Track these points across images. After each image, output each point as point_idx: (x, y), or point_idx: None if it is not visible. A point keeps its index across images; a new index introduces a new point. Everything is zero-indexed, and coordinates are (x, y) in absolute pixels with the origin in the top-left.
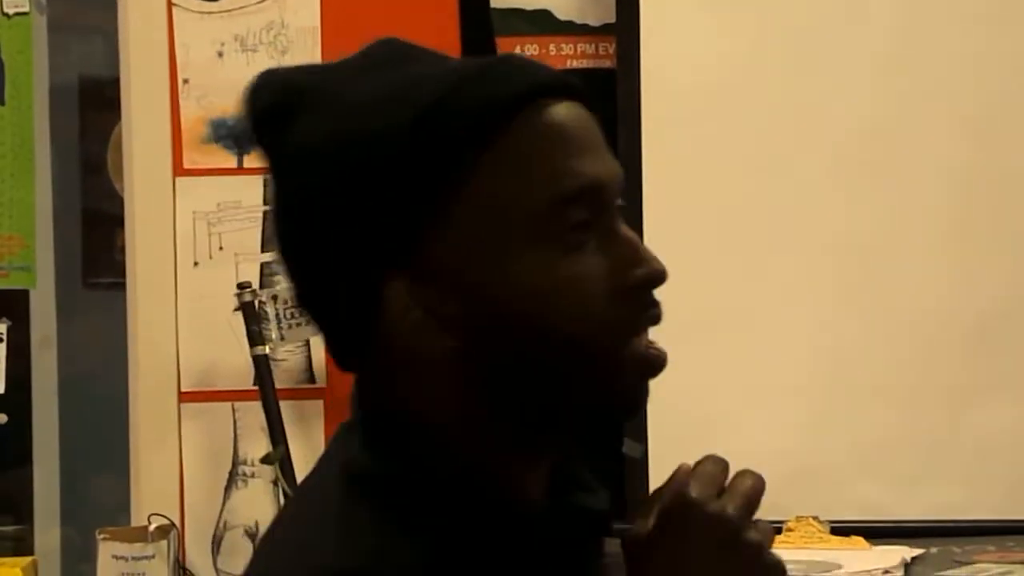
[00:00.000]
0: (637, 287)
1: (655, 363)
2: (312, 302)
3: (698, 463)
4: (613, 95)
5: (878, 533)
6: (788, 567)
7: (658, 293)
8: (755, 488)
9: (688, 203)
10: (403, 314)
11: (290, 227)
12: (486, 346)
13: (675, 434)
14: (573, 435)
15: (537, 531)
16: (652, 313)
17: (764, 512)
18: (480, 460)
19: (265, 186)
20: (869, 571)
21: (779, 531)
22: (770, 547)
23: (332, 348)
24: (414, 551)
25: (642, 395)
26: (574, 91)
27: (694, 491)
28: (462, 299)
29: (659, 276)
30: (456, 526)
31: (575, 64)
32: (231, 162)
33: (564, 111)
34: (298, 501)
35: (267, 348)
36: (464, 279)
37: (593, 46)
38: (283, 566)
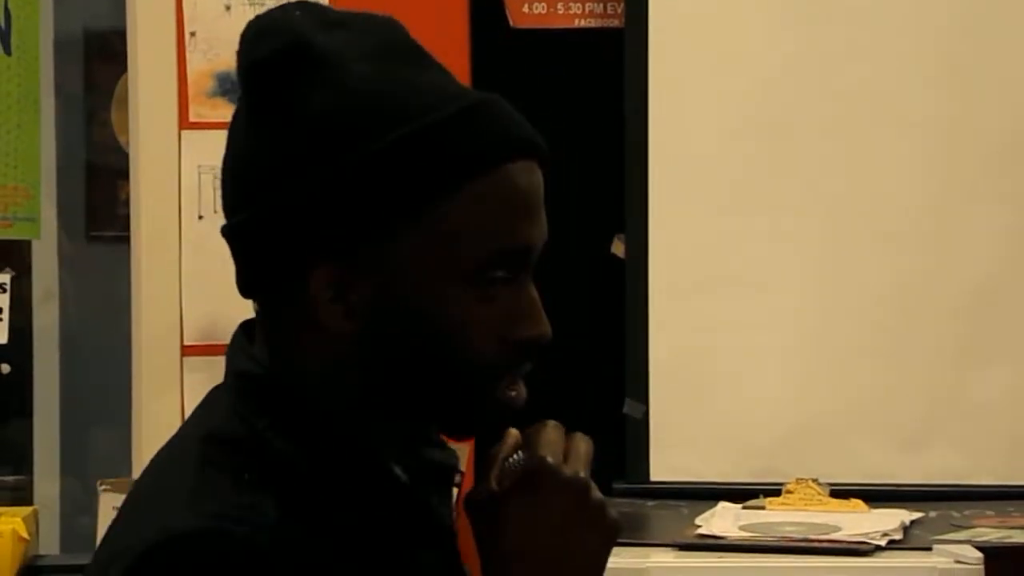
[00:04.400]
0: (522, 343)
1: (512, 407)
2: (239, 237)
3: (539, 430)
4: (621, 55)
5: (878, 496)
6: (787, 529)
7: (667, 254)
8: (591, 450)
9: (691, 164)
10: (319, 290)
11: (253, 172)
12: (381, 343)
13: (675, 395)
14: (430, 424)
15: (397, 497)
16: (526, 366)
17: (764, 474)
18: (348, 421)
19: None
20: (868, 534)
21: (778, 493)
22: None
23: (242, 279)
24: (272, 510)
25: (488, 428)
26: (542, 153)
27: (548, 457)
28: (377, 300)
29: (543, 340)
30: (320, 487)
31: (583, 23)
32: None
33: (527, 175)
34: (158, 462)
35: None
36: (386, 286)
37: (601, 5)
38: (136, 529)
